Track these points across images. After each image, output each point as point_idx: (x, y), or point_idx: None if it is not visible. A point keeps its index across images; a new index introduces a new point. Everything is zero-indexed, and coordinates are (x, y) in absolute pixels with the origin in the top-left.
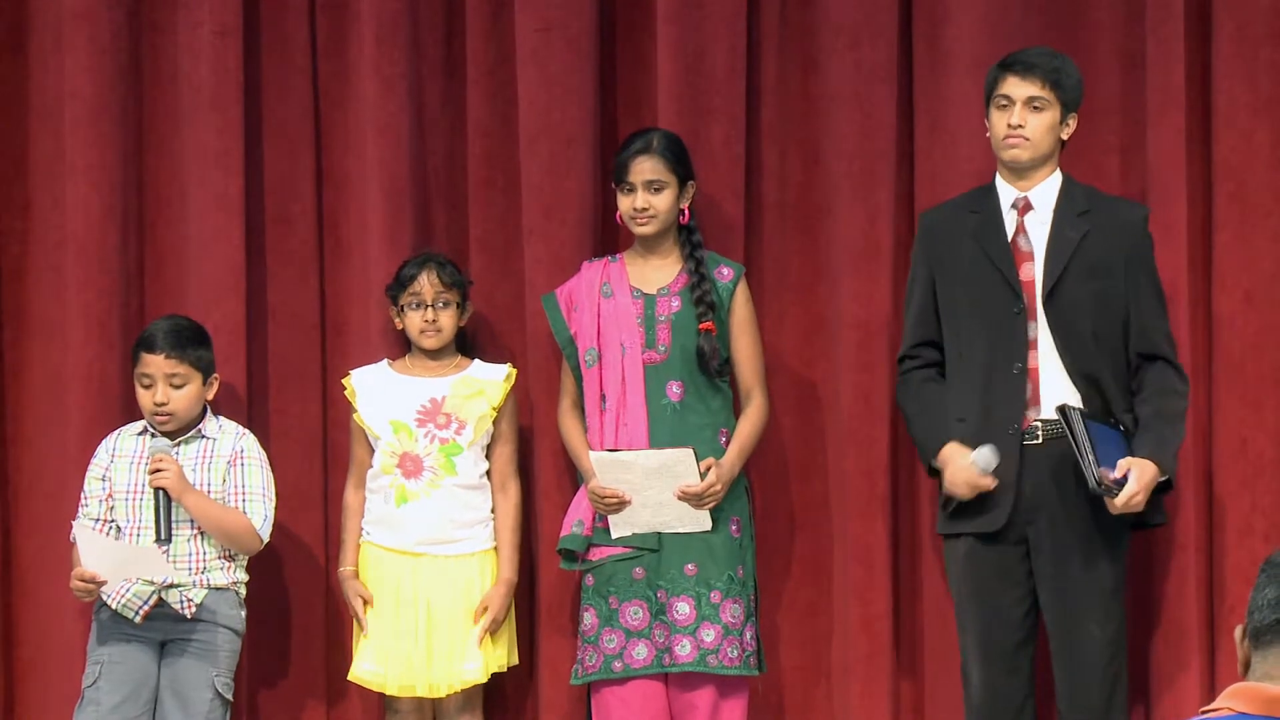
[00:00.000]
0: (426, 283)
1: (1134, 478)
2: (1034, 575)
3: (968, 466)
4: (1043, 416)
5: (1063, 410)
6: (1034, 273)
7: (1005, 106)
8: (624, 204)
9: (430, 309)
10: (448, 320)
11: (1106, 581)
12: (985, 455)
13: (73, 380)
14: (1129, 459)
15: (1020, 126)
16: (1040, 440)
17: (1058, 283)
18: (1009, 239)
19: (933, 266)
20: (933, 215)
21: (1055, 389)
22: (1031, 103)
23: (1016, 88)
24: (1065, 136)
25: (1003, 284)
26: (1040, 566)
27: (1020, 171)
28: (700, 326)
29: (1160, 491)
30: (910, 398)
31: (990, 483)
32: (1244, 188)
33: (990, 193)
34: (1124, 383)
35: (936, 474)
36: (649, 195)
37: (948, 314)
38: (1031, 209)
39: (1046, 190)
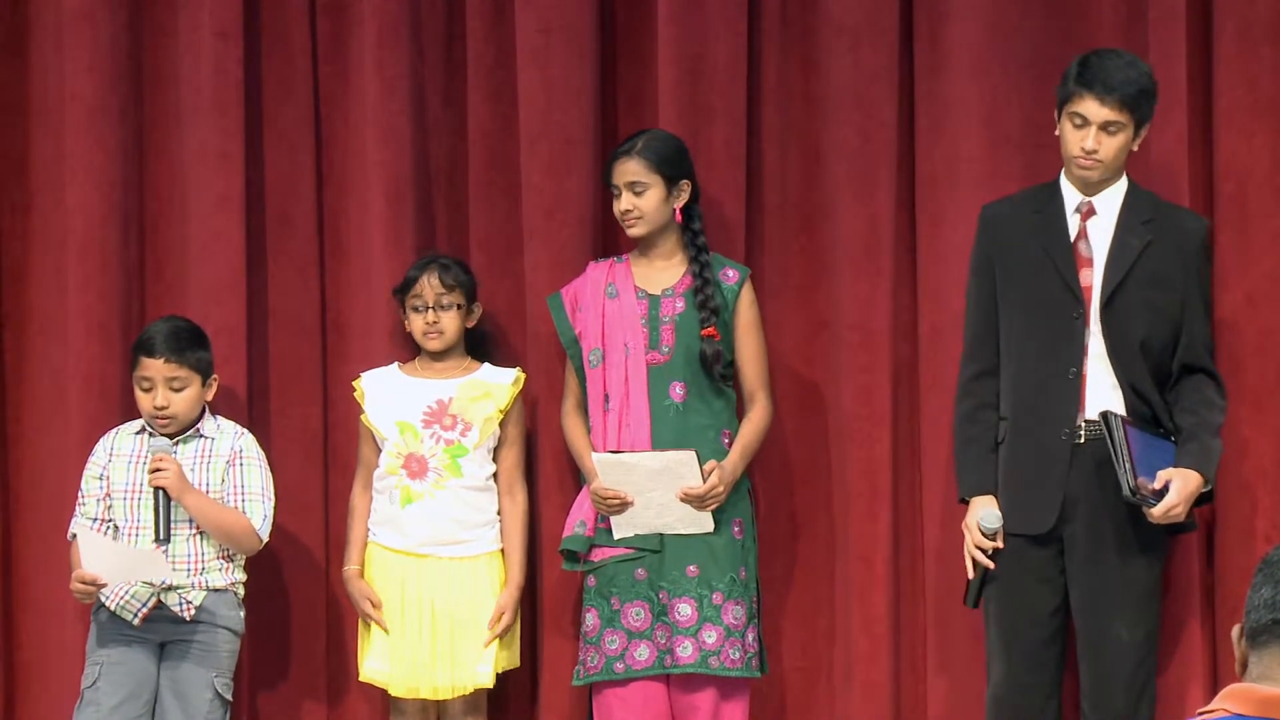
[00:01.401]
0: (427, 285)
1: (1175, 489)
2: (1066, 574)
3: (974, 526)
4: (1087, 417)
5: (1104, 416)
6: (1093, 279)
7: (1080, 126)
8: (615, 207)
9: (431, 311)
10: (450, 323)
11: (1140, 585)
12: (991, 517)
13: (73, 381)
14: (1171, 470)
15: (1094, 151)
16: (1083, 440)
17: (1116, 290)
18: (1071, 242)
19: (994, 260)
20: (995, 208)
21: (1102, 394)
22: (1108, 127)
23: (1095, 110)
24: (1136, 148)
25: (1063, 288)
26: (1074, 566)
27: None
28: (702, 332)
29: (1200, 502)
30: (968, 440)
31: (988, 547)
32: (1245, 189)
33: (1054, 194)
34: (1164, 391)
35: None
36: (632, 197)
37: (1005, 311)
38: (1095, 214)
39: (1111, 196)
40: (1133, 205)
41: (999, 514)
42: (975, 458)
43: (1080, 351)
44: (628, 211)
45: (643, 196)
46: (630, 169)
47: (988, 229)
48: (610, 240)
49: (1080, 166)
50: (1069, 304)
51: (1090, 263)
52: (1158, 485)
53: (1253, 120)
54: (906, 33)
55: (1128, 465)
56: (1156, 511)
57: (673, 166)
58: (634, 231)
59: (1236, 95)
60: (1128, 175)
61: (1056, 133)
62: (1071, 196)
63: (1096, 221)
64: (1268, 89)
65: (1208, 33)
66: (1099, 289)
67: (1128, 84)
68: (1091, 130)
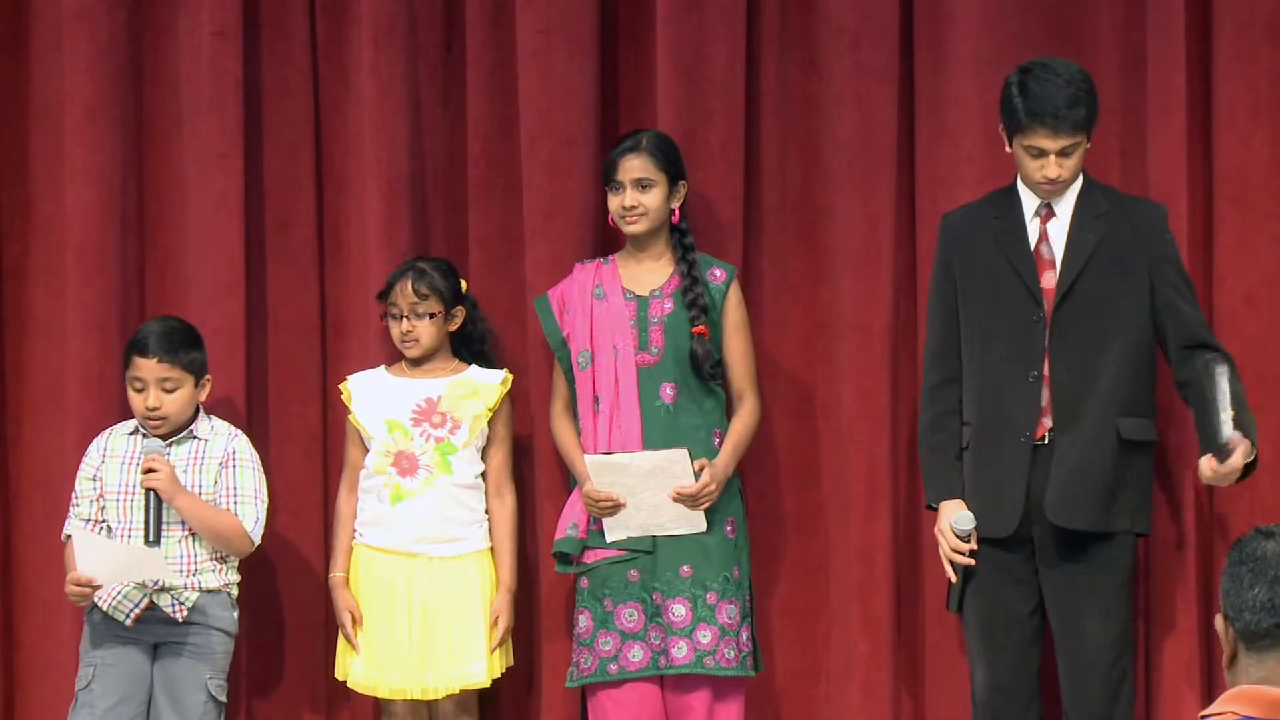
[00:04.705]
0: (400, 293)
1: (1240, 453)
2: (1039, 574)
3: (947, 530)
4: (1062, 415)
5: (1208, 363)
6: (1055, 280)
7: (1038, 156)
8: (613, 203)
9: (406, 320)
10: (425, 331)
11: (1110, 582)
12: (964, 519)
13: (72, 382)
14: (1237, 436)
15: (1058, 176)
16: (1047, 441)
17: (1073, 286)
18: (1032, 247)
19: (954, 268)
20: (955, 217)
21: (1069, 393)
22: (1065, 151)
23: (1049, 142)
24: (1089, 144)
25: (1024, 292)
26: (1044, 565)
27: None
28: (693, 330)
29: (1244, 474)
30: (933, 448)
31: (965, 549)
32: (1244, 190)
33: (1013, 198)
34: (1138, 385)
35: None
36: (637, 193)
37: (966, 317)
38: (1054, 216)
39: (1068, 196)
40: (1087, 201)
41: (970, 515)
42: (941, 464)
43: (1040, 354)
44: (632, 208)
45: (648, 193)
46: (638, 165)
47: (948, 237)
48: (610, 241)
49: (1045, 192)
50: (1029, 307)
51: (1052, 264)
52: (1232, 445)
53: (1252, 120)
54: (906, 33)
55: (1229, 414)
56: (1223, 467)
57: (675, 166)
58: (634, 229)
59: (1236, 95)
60: (1083, 170)
61: (1008, 149)
62: (1030, 201)
63: (1056, 223)
64: (1267, 89)
65: (1207, 33)
66: (1058, 289)
67: (1075, 106)
68: (1050, 160)
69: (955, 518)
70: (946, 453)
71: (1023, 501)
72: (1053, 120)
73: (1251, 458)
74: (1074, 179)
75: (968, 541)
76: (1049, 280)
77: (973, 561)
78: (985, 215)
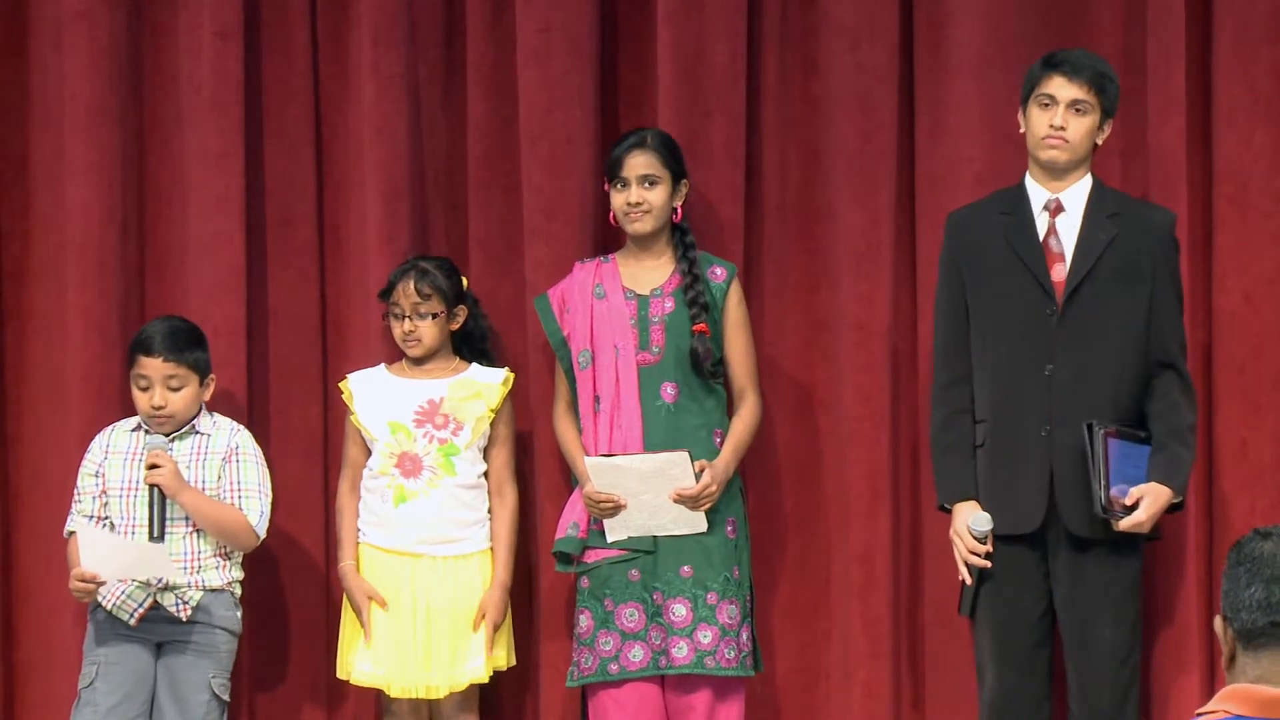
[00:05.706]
0: (403, 293)
1: (1144, 506)
2: (1050, 575)
3: (964, 532)
4: (1065, 414)
5: (1089, 428)
6: (1064, 274)
7: (1048, 106)
8: (617, 200)
9: (409, 320)
10: (427, 331)
11: (1120, 584)
12: (981, 520)
13: (73, 381)
14: (1143, 487)
15: (1062, 129)
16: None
17: (1081, 283)
18: (1041, 240)
19: (962, 266)
20: (962, 215)
21: (1077, 389)
22: (1075, 105)
23: (1062, 89)
24: (1100, 141)
25: (1035, 286)
26: (1056, 567)
27: (1054, 173)
28: (694, 328)
29: (1170, 511)
30: (945, 448)
31: (982, 551)
32: (1244, 189)
33: (1021, 194)
34: (1138, 385)
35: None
36: (643, 190)
37: (976, 314)
38: (1063, 210)
39: (1078, 192)
40: (1098, 201)
41: (988, 516)
42: (954, 464)
43: (1054, 347)
44: (637, 204)
45: (654, 190)
46: (644, 161)
47: (955, 235)
48: (611, 240)
49: (1049, 145)
50: (1041, 301)
51: (1062, 258)
52: (1129, 501)
53: (1252, 120)
54: (906, 33)
55: (1103, 482)
56: (1122, 526)
57: (678, 164)
58: (639, 226)
59: (1236, 95)
60: (1093, 174)
61: (1021, 130)
62: (1038, 195)
63: (1065, 218)
64: (1267, 89)
65: (1207, 33)
66: (1068, 283)
67: (1095, 67)
68: (1059, 108)
69: (973, 519)
70: (959, 453)
71: (1046, 498)
72: (1070, 68)
73: (1178, 499)
74: (1079, 149)
75: (984, 543)
76: (1059, 274)
77: (989, 564)
78: (992, 212)
